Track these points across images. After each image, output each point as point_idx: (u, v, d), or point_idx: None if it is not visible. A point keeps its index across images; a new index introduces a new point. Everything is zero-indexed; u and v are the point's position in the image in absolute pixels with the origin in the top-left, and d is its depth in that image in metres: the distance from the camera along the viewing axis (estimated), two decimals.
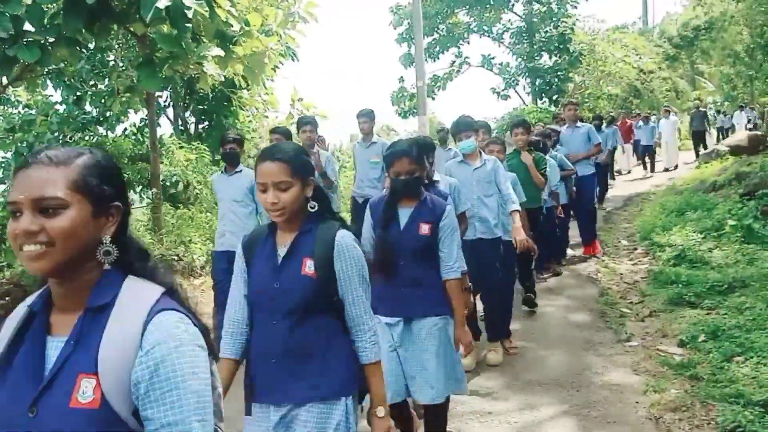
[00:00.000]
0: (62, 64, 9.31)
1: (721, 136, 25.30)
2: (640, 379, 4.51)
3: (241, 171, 5.33)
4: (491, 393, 4.48)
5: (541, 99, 23.65)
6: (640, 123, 17.32)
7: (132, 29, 6.81)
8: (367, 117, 7.26)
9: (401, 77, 24.76)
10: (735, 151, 14.68)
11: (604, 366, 4.82)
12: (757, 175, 9.69)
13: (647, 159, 17.62)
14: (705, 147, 18.94)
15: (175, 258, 8.50)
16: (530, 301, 6.34)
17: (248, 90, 10.96)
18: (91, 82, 11.24)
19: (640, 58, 23.41)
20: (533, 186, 6.25)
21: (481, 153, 5.16)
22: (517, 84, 24.09)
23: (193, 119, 13.24)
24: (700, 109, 20.95)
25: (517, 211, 4.91)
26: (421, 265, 3.20)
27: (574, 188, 8.25)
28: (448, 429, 3.47)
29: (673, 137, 18.34)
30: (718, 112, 27.17)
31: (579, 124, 8.71)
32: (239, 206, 5.27)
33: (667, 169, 17.72)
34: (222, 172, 5.54)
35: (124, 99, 9.74)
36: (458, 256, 3.28)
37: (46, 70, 8.80)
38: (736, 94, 22.58)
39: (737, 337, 4.81)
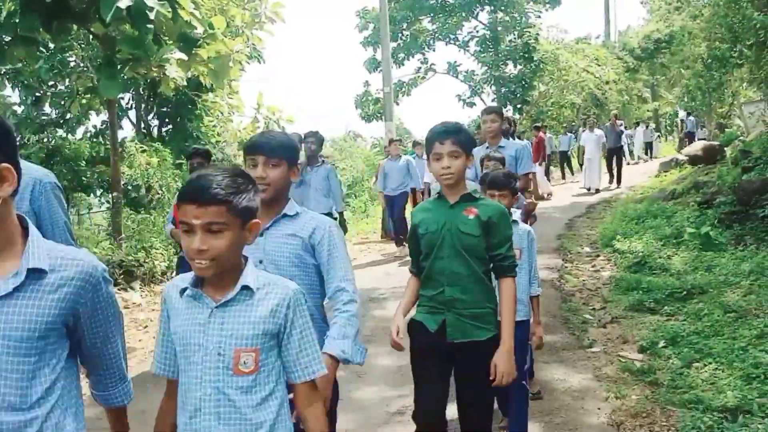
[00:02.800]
0: (20, 64, 9.07)
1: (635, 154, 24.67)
2: (601, 385, 4.55)
3: None
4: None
5: (505, 107, 23.94)
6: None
7: (92, 29, 6.66)
8: None
9: (366, 81, 24.84)
10: (693, 160, 15.04)
11: (566, 372, 4.85)
12: (714, 184, 9.93)
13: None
14: (620, 167, 17.01)
15: (135, 264, 8.32)
16: None
17: (213, 93, 10.84)
18: (51, 83, 10.98)
19: (601, 68, 23.89)
20: None
21: None
22: (482, 92, 24.36)
23: (156, 122, 13.02)
24: (616, 124, 17.53)
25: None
26: None
27: None
28: None
29: (597, 154, 16.10)
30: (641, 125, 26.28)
31: (504, 142, 5.85)
32: None
33: (589, 189, 16.06)
34: None
35: (84, 101, 9.53)
36: None
37: (3, 69, 8.56)
38: (695, 105, 23.15)
39: (696, 343, 4.90)
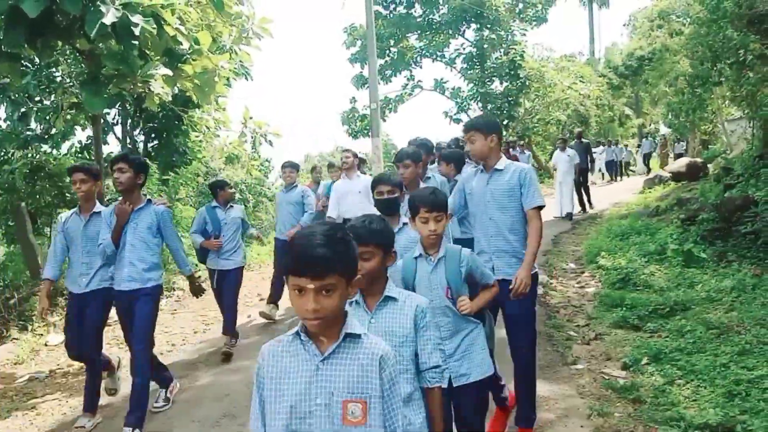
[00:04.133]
0: (7, 80, 9.00)
1: (611, 172, 24.60)
2: (585, 402, 4.55)
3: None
4: None
5: None
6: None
7: (77, 45, 6.64)
8: None
9: (353, 98, 24.95)
10: (676, 177, 15.21)
11: (550, 389, 4.85)
12: (697, 200, 10.03)
13: None
14: (587, 189, 15.51)
15: None
16: None
17: (200, 108, 10.80)
18: (37, 98, 10.90)
19: (586, 85, 24.14)
20: None
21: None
22: (469, 108, 24.51)
23: (142, 138, 12.98)
24: (583, 140, 16.34)
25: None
26: None
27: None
28: None
29: (570, 177, 14.16)
30: (610, 143, 25.88)
31: (503, 163, 3.96)
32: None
33: (563, 217, 14.17)
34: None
35: (68, 116, 9.47)
36: None
37: None
38: (678, 123, 23.43)
39: (678, 360, 4.93)
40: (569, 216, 14.07)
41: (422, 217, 3.12)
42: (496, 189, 3.89)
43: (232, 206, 6.85)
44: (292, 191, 7.78)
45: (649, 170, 25.18)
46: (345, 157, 7.40)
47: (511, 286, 3.69)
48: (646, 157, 26.61)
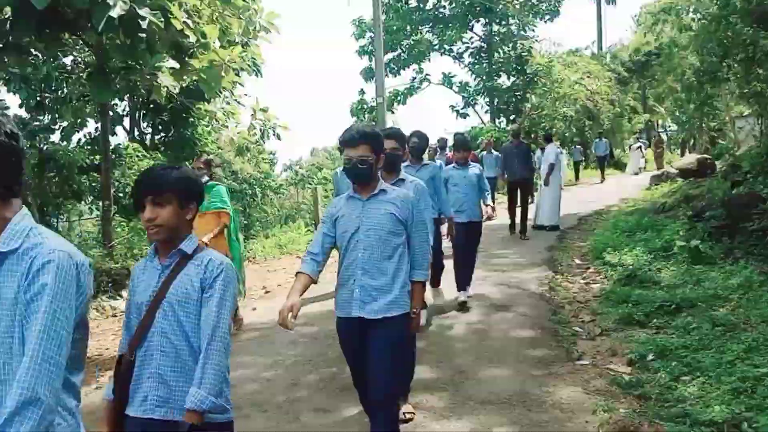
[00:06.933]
0: (28, 69, 8.98)
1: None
2: (590, 398, 4.55)
3: None
4: (443, 413, 4.46)
5: (498, 118, 24.04)
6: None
7: (84, 38, 6.66)
8: None
9: (361, 90, 24.91)
10: (684, 173, 15.15)
11: (555, 385, 4.85)
12: (704, 197, 10.00)
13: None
14: (513, 207, 11.97)
15: (126, 272, 8.27)
16: None
17: (208, 102, 10.82)
18: (53, 88, 10.87)
19: (594, 80, 24.02)
20: None
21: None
22: (475, 103, 24.45)
23: (150, 129, 13.03)
24: (523, 141, 13.01)
25: None
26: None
27: None
28: None
29: (555, 179, 12.02)
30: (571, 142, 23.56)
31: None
32: None
33: (542, 227, 12.03)
34: None
35: (76, 107, 9.51)
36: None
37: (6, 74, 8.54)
38: (686, 119, 23.26)
39: (684, 356, 4.91)
40: (552, 228, 12.00)
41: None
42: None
43: None
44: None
45: (604, 177, 23.22)
46: None
47: None
48: (601, 160, 23.67)
